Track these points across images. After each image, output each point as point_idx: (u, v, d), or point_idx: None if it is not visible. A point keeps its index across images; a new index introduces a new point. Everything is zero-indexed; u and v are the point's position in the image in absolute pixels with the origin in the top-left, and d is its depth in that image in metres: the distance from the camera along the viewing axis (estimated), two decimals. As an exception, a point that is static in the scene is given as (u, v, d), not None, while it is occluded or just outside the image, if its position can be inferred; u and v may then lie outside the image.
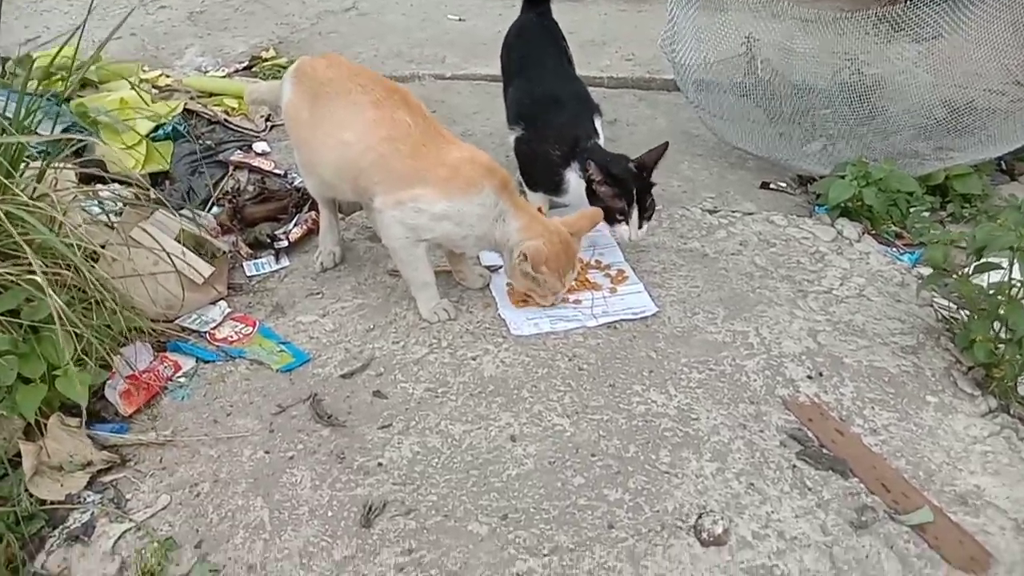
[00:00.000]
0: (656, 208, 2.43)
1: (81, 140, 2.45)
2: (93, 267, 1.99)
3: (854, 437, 1.88)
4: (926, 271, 2.49)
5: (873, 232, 2.72)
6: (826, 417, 1.93)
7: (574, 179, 2.42)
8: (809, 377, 2.04)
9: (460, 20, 4.64)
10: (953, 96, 3.32)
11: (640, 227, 2.35)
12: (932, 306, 2.29)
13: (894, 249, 2.65)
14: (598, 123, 2.56)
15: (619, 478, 1.72)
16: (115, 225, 2.19)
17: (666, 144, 2.39)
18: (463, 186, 1.99)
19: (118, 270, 2.08)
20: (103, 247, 2.08)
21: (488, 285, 2.33)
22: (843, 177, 2.69)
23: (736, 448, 1.81)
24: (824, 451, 1.83)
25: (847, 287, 2.39)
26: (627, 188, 2.31)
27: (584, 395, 1.94)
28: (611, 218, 2.33)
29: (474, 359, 2.05)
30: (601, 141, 2.52)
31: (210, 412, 1.90)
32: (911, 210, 2.82)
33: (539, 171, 2.53)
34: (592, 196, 2.35)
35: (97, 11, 4.60)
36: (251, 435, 1.83)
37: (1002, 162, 3.18)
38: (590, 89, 2.72)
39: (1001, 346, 1.97)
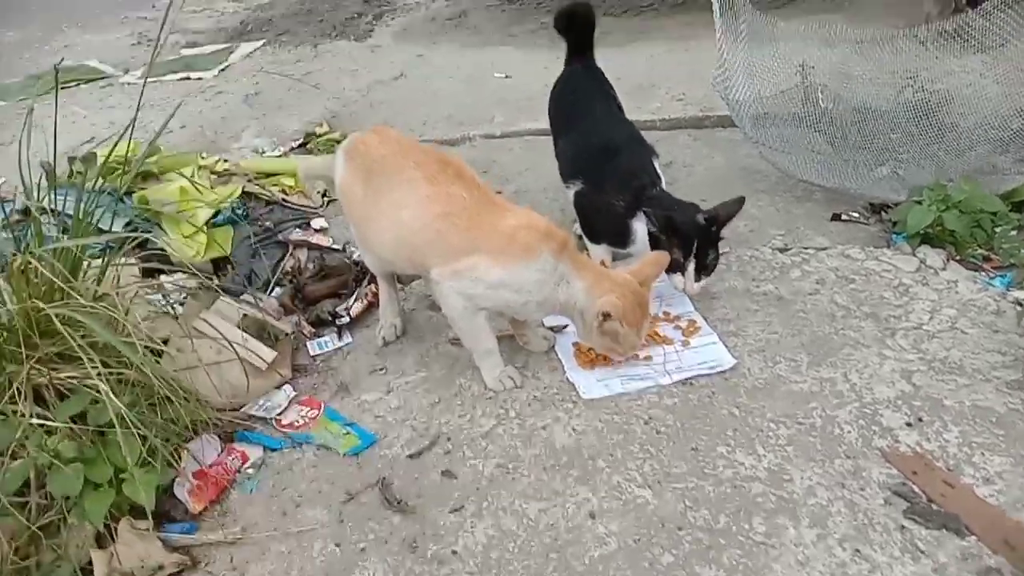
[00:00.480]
0: (719, 259, 2.33)
1: (139, 235, 2.50)
2: (158, 362, 2.00)
3: (966, 489, 1.71)
4: (1022, 294, 2.33)
5: (958, 258, 2.55)
6: (931, 468, 1.77)
7: (640, 229, 2.34)
8: (908, 424, 1.88)
9: (506, 77, 4.65)
10: (1029, 105, 3.13)
11: (697, 280, 2.27)
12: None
13: (983, 274, 2.47)
14: (657, 166, 2.49)
15: (711, 553, 1.60)
16: (178, 317, 2.19)
17: (742, 199, 2.31)
18: (519, 253, 1.93)
19: (182, 363, 2.08)
20: (165, 341, 2.09)
21: (553, 347, 2.25)
22: (920, 202, 2.53)
23: (836, 510, 1.67)
24: (933, 507, 1.67)
25: (938, 320, 2.23)
26: (687, 239, 2.22)
27: (665, 461, 1.83)
28: (667, 268, 2.24)
29: (544, 428, 1.96)
30: (663, 184, 2.44)
31: (279, 504, 1.85)
32: (996, 230, 2.63)
33: (603, 224, 2.47)
34: (655, 243, 2.28)
35: (157, 104, 4.82)
36: (321, 527, 1.77)
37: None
38: (643, 133, 2.64)
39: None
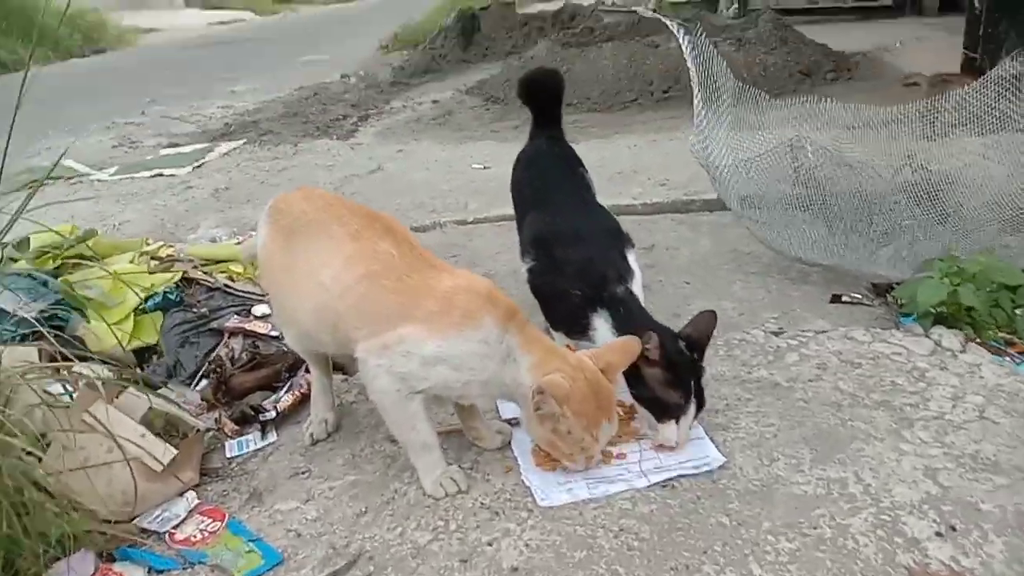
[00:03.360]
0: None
1: (48, 319, 2.21)
2: (40, 460, 1.68)
3: (1022, 619, 1.34)
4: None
5: (978, 341, 2.23)
6: (975, 592, 1.40)
7: (602, 325, 1.99)
8: (938, 534, 1.52)
9: (484, 168, 4.48)
10: (1037, 182, 2.90)
11: (690, 426, 1.85)
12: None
13: (1007, 359, 2.15)
14: (631, 257, 2.16)
15: None
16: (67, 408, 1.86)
17: (712, 313, 1.92)
18: (458, 320, 1.62)
19: (70, 462, 1.74)
20: (43, 435, 1.76)
21: (509, 443, 1.90)
22: (931, 277, 2.23)
23: (856, 650, 1.29)
24: (982, 643, 1.29)
25: (962, 409, 1.90)
26: (686, 376, 1.81)
27: (637, 584, 1.46)
28: (660, 413, 1.82)
29: (490, 544, 1.59)
30: (637, 277, 2.12)
31: (152, 641, 1.47)
32: (1017, 312, 2.33)
33: (559, 311, 2.13)
34: (634, 378, 1.83)
35: (124, 199, 4.64)
36: (193, 675, 1.38)
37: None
38: (622, 219, 2.35)
39: None
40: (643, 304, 2.04)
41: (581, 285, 2.03)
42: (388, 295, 1.66)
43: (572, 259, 2.09)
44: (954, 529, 1.53)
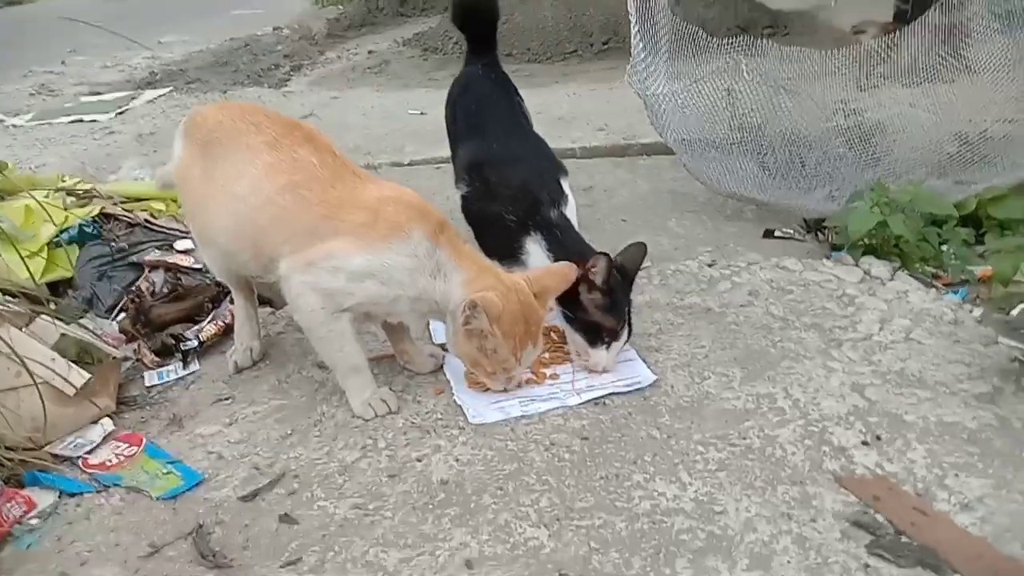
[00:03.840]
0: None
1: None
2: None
3: (941, 517, 1.37)
4: (978, 310, 2.04)
5: (907, 272, 2.27)
6: (897, 493, 1.42)
7: (535, 250, 1.96)
8: (864, 443, 1.55)
9: (422, 114, 4.37)
10: (964, 129, 2.96)
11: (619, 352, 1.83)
12: (1000, 343, 1.81)
13: (933, 290, 2.20)
14: (566, 185, 2.13)
15: (621, 607, 1.20)
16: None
17: (643, 245, 1.88)
18: (386, 232, 1.56)
19: (-26, 389, 1.64)
20: (-59, 359, 1.65)
21: (442, 368, 1.86)
22: (863, 205, 2.25)
23: (782, 547, 1.30)
24: (903, 539, 1.32)
25: (890, 331, 1.93)
26: (622, 302, 1.80)
27: (567, 494, 1.44)
28: (594, 337, 1.79)
29: (420, 460, 1.56)
30: (571, 203, 2.09)
31: (60, 562, 1.39)
32: (943, 247, 2.37)
33: (492, 237, 2.09)
34: (569, 302, 1.80)
35: (41, 143, 4.41)
36: (105, 591, 1.32)
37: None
38: (563, 161, 2.30)
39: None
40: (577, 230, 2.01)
41: (515, 209, 1.99)
42: (312, 207, 1.59)
43: (506, 183, 2.05)
44: (879, 438, 1.56)
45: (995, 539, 1.31)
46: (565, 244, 1.93)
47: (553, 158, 2.25)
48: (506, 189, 2.05)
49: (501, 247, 2.05)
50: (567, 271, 1.77)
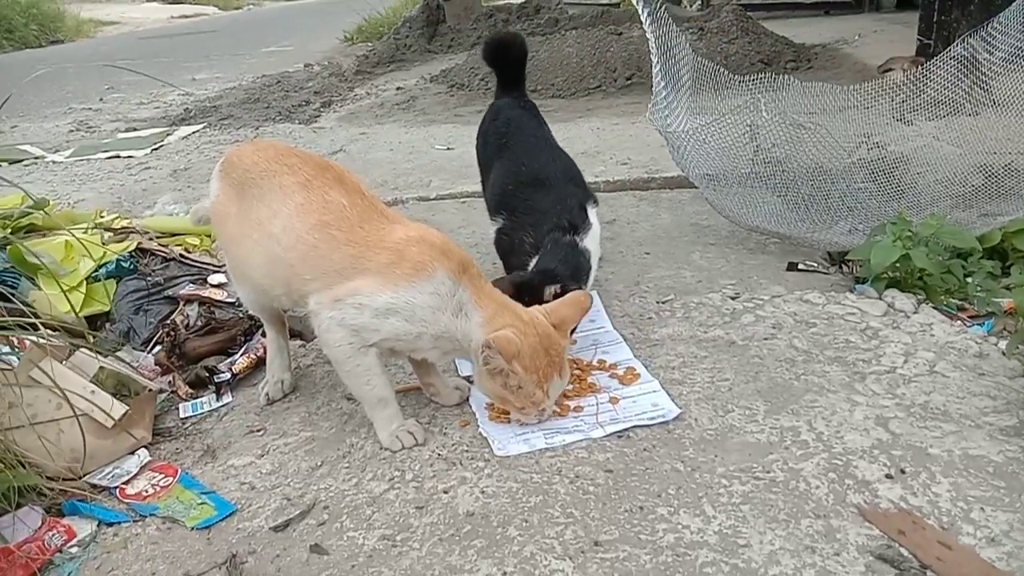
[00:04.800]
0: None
1: None
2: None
3: (967, 551, 1.36)
4: (1003, 343, 2.03)
5: (931, 304, 2.27)
6: (922, 527, 1.42)
7: None
8: (888, 476, 1.55)
9: (448, 149, 4.46)
10: (988, 162, 2.97)
11: None
12: (1027, 376, 1.81)
13: (959, 322, 2.20)
14: (592, 213, 2.19)
15: (644, 639, 1.21)
16: (13, 367, 1.82)
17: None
18: (410, 272, 1.61)
19: (17, 419, 1.70)
20: (-12, 392, 1.71)
21: (467, 400, 1.89)
22: (884, 239, 2.26)
23: (806, 581, 1.30)
24: (930, 574, 1.32)
25: (914, 364, 1.93)
26: None
27: (591, 527, 1.46)
28: None
29: (446, 492, 1.58)
30: (595, 233, 2.14)
31: (99, 591, 1.44)
32: (968, 279, 2.38)
33: (513, 265, 2.14)
34: None
35: (79, 179, 4.55)
36: (141, 619, 1.35)
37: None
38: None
39: None
40: (594, 263, 2.06)
41: (532, 233, 2.04)
42: (340, 246, 1.65)
43: (533, 209, 2.10)
44: (903, 472, 1.56)
45: (1023, 573, 1.30)
46: (538, 265, 1.98)
47: (582, 182, 2.31)
48: (527, 216, 2.11)
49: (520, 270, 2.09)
50: (583, 300, 1.81)
